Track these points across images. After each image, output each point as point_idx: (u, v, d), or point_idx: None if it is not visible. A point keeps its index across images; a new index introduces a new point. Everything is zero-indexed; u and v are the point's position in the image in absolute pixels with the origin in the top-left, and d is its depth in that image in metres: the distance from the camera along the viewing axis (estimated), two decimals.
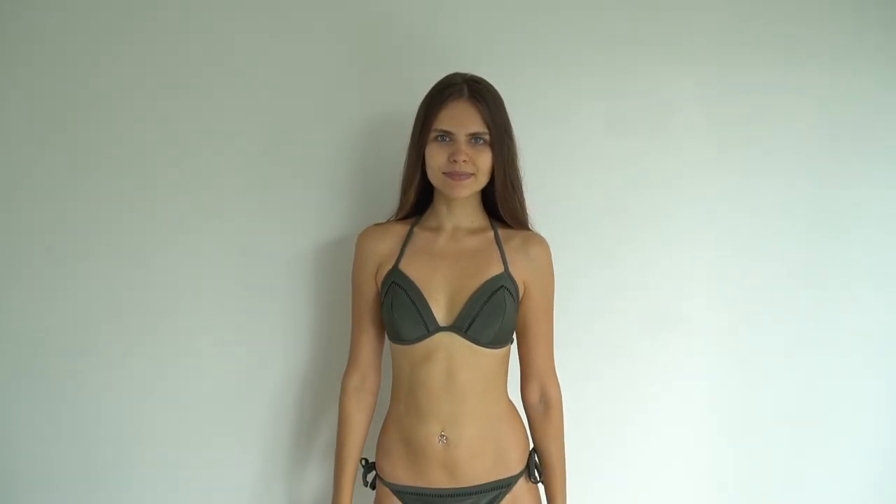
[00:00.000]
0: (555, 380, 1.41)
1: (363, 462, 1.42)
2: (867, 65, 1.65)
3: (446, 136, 1.27)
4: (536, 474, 1.40)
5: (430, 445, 1.30)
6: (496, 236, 1.36)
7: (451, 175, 1.27)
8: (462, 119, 1.27)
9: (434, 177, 1.30)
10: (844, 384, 1.72)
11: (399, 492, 1.35)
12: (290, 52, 1.60)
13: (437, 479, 1.32)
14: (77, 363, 1.63)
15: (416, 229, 1.38)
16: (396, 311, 1.29)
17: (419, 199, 1.38)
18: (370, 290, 1.37)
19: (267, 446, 1.68)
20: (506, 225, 1.39)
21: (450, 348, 1.28)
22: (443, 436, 1.30)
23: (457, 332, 1.28)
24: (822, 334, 1.70)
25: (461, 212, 1.36)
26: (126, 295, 1.62)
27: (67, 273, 1.61)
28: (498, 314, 1.28)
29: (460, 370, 1.29)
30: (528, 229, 1.39)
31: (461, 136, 1.27)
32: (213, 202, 1.62)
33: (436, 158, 1.28)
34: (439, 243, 1.35)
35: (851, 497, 1.75)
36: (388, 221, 1.42)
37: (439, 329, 1.28)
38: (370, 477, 1.42)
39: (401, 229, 1.38)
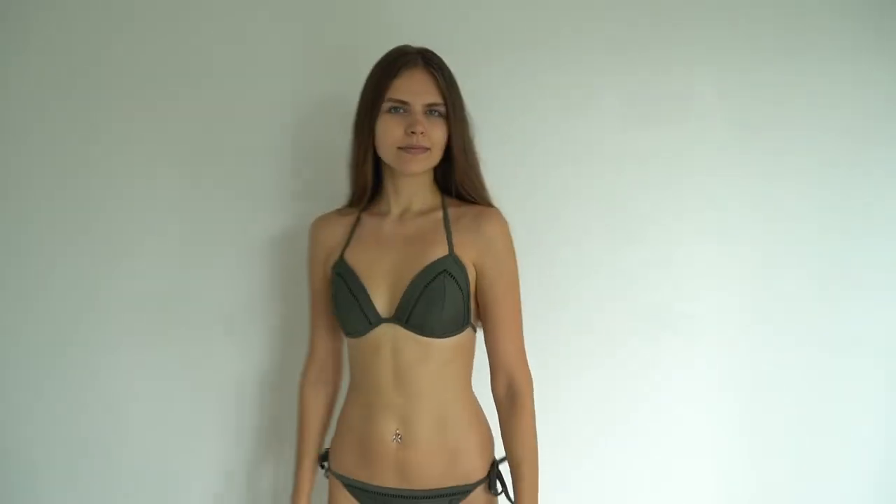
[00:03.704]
0: (523, 369, 1.26)
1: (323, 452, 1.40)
2: (892, 63, 1.61)
3: (401, 107, 1.19)
4: (498, 486, 1.29)
5: (383, 444, 1.23)
6: (445, 216, 1.25)
7: (406, 149, 1.18)
8: (418, 88, 1.18)
9: (387, 152, 1.21)
10: (851, 385, 1.69)
11: (349, 485, 1.30)
12: (230, 34, 1.56)
13: (388, 479, 1.24)
14: (22, 362, 1.61)
15: (363, 215, 1.31)
16: (339, 303, 1.23)
17: (374, 181, 1.30)
18: (322, 282, 1.33)
19: (228, 439, 1.67)
20: (458, 202, 1.29)
21: (395, 341, 1.20)
22: (398, 434, 1.22)
23: (398, 324, 1.20)
24: (834, 336, 1.68)
25: (411, 192, 1.27)
26: (71, 295, 1.60)
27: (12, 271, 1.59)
28: (437, 302, 1.18)
29: (410, 364, 1.21)
30: (489, 205, 1.29)
31: (417, 107, 1.18)
32: (157, 196, 1.58)
33: (390, 132, 1.19)
34: (385, 228, 1.27)
35: (856, 498, 1.73)
36: (340, 209, 1.35)
37: (382, 321, 1.21)
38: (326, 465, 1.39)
39: (350, 216, 1.32)
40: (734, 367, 1.69)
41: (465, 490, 1.25)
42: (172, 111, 1.57)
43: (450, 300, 1.19)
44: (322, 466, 1.39)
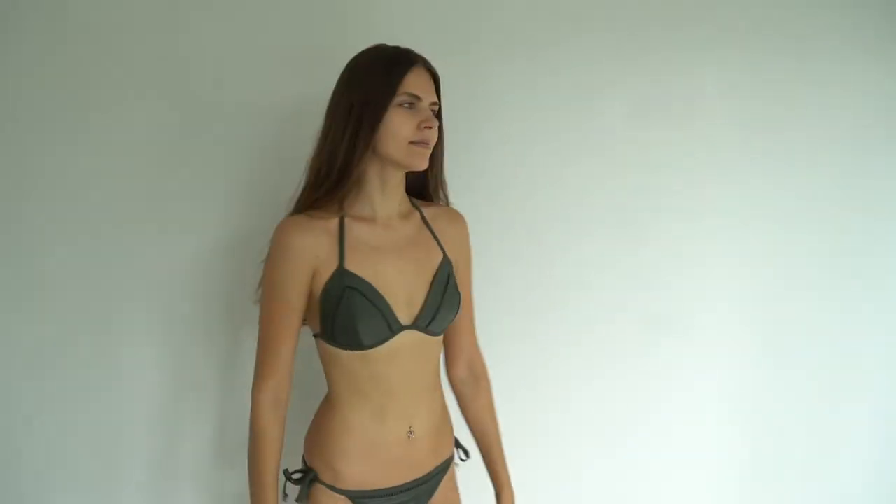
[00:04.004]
0: (480, 352, 1.41)
1: (297, 473, 1.30)
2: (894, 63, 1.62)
3: (413, 102, 1.17)
4: (465, 453, 1.41)
5: (398, 444, 1.25)
6: (423, 218, 1.30)
7: (418, 143, 1.17)
8: (426, 86, 1.19)
9: (397, 147, 1.17)
10: (857, 387, 1.70)
11: (359, 497, 1.26)
12: (187, 37, 1.51)
13: (402, 476, 1.26)
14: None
15: (346, 221, 1.22)
16: (359, 317, 1.17)
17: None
18: (299, 295, 1.20)
19: (168, 459, 1.61)
20: (425, 203, 1.33)
21: (412, 346, 1.22)
22: (411, 431, 1.25)
23: (417, 329, 1.22)
24: (840, 338, 1.69)
25: (393, 195, 1.25)
26: (66, 293, 1.54)
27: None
28: (455, 303, 1.26)
29: (422, 364, 1.26)
30: (448, 204, 1.36)
31: (426, 103, 1.18)
32: (102, 204, 1.53)
33: (404, 126, 1.16)
34: (377, 235, 1.23)
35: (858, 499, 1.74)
36: (309, 213, 1.22)
37: (402, 328, 1.21)
38: (298, 488, 1.29)
39: (328, 221, 1.21)
40: (737, 368, 1.69)
41: (446, 466, 1.35)
42: (153, 112, 1.53)
43: (460, 300, 1.29)
44: (300, 486, 1.30)
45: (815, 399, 1.70)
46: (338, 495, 1.26)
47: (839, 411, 1.71)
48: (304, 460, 1.32)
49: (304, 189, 1.24)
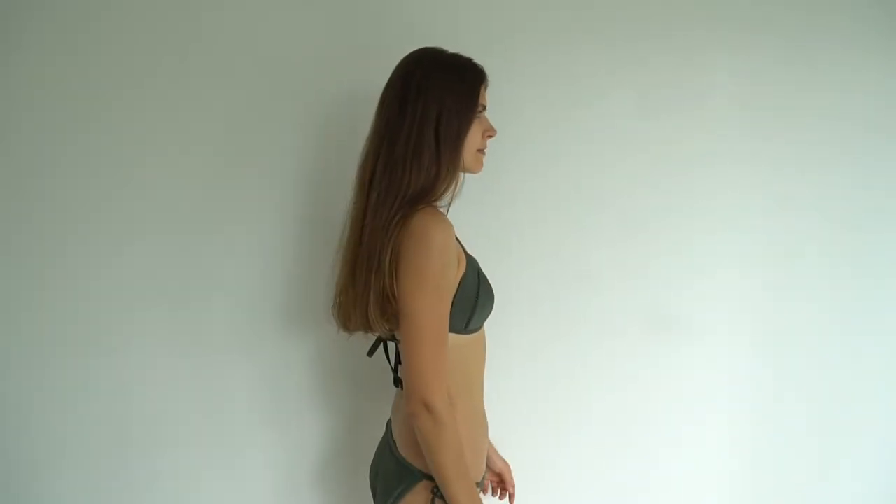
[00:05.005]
0: None
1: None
2: None
3: (482, 111, 1.25)
4: None
5: (486, 421, 1.32)
6: None
7: (482, 150, 1.27)
8: None
9: (469, 154, 1.23)
10: (866, 386, 1.70)
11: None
12: (254, 34, 1.56)
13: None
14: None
15: None
16: (489, 296, 1.25)
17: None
18: (454, 289, 1.20)
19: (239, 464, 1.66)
20: None
21: None
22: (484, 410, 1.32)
23: None
24: (848, 336, 1.69)
25: None
26: (91, 296, 1.59)
27: (35, 272, 1.59)
28: None
29: None
30: None
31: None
32: (171, 195, 1.59)
33: (476, 135, 1.24)
34: None
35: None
36: (426, 208, 1.21)
37: None
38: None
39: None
40: (744, 367, 1.69)
41: None
42: (188, 107, 1.57)
43: None
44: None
45: (821, 400, 1.70)
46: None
47: (845, 412, 1.70)
48: (410, 471, 1.23)
49: (420, 187, 1.18)
